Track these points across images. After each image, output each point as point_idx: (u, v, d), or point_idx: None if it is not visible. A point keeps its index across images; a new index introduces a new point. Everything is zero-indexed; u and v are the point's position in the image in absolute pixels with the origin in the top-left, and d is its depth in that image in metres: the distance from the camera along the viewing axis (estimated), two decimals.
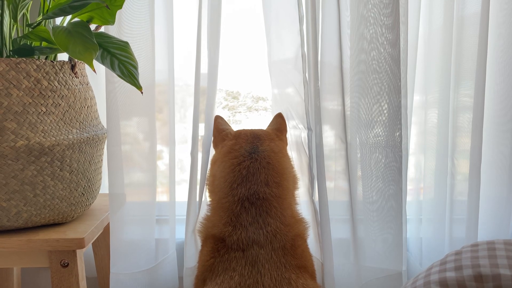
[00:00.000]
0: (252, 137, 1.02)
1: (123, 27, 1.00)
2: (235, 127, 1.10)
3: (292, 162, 1.05)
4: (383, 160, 1.06)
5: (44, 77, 0.88)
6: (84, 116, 0.97)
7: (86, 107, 0.98)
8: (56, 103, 0.90)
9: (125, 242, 1.07)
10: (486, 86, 1.05)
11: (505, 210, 1.12)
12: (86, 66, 1.01)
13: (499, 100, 1.11)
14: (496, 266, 0.68)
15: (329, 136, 1.10)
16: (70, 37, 0.81)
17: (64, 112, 0.91)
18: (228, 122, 1.12)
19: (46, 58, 0.94)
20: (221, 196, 0.96)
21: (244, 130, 1.06)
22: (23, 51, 0.91)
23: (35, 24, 0.91)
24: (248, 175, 0.95)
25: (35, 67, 0.87)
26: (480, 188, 1.08)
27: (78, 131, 0.94)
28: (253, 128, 1.08)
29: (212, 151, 1.10)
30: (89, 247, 1.19)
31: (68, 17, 0.93)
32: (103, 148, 1.05)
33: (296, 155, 1.16)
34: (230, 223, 0.93)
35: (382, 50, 1.02)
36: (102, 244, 1.17)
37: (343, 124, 1.08)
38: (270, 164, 0.97)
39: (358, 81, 1.05)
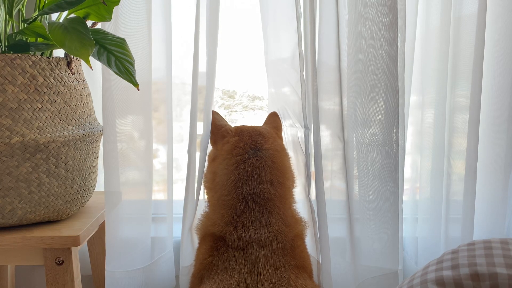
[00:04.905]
0: (255, 134, 1.00)
1: (119, 23, 0.99)
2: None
3: (290, 160, 1.05)
4: (379, 159, 1.06)
5: (39, 73, 0.87)
6: (80, 113, 0.96)
7: (82, 104, 0.97)
8: (52, 99, 0.89)
9: (120, 240, 1.07)
10: (482, 87, 1.05)
11: (500, 209, 1.12)
12: (82, 63, 1.00)
13: (494, 100, 1.11)
14: (493, 265, 0.68)
15: (325, 136, 1.10)
16: (66, 33, 0.80)
17: (59, 108, 0.91)
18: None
19: (41, 54, 0.93)
20: (223, 194, 0.95)
21: (245, 126, 1.05)
22: (18, 47, 0.90)
23: (31, 20, 0.90)
24: (254, 173, 0.94)
25: (30, 63, 0.86)
26: (476, 188, 1.08)
27: (73, 128, 0.93)
28: (252, 125, 1.07)
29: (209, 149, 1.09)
30: (84, 245, 1.18)
31: (64, 13, 0.92)
32: (99, 145, 1.04)
33: (292, 153, 1.16)
34: (232, 222, 0.92)
35: (380, 49, 1.02)
36: (97, 242, 1.16)
37: (340, 123, 1.07)
38: (275, 163, 0.97)
39: (356, 80, 1.05)
